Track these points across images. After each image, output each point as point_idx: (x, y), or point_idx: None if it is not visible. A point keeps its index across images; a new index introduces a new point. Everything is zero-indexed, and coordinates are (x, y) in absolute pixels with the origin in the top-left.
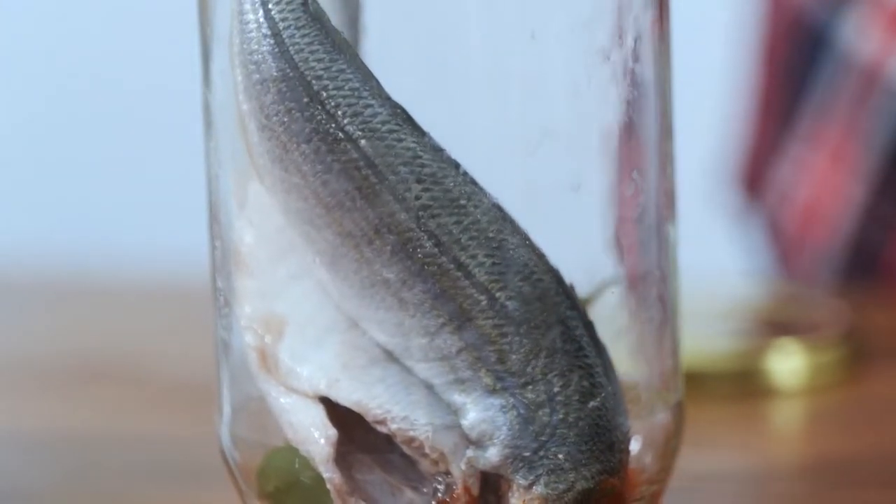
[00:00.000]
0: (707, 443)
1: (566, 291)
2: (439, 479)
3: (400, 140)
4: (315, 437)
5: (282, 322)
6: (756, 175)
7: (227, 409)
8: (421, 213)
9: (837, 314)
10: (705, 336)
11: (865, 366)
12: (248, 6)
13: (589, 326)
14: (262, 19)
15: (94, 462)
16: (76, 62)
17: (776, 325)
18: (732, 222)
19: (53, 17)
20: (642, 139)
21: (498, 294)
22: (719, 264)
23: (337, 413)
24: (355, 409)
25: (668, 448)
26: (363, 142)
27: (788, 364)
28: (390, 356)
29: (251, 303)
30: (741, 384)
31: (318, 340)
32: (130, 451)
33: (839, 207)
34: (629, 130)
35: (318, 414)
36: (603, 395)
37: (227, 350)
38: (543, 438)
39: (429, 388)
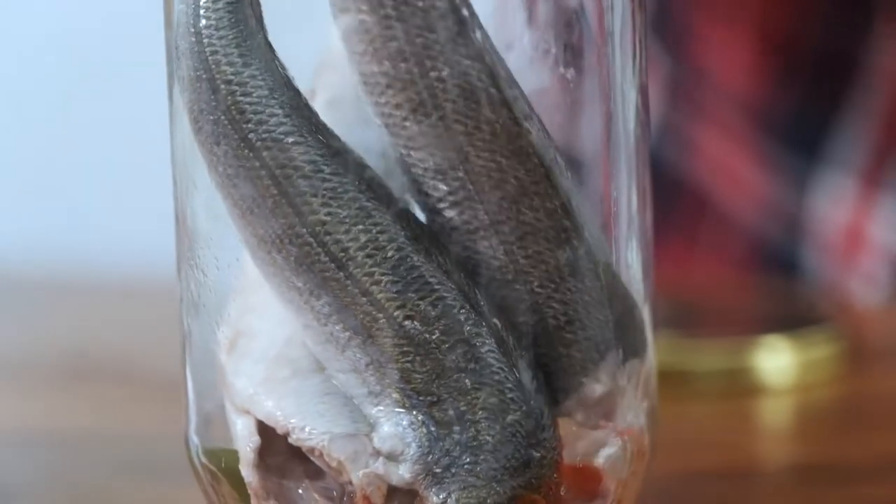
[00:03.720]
0: (695, 441)
1: (474, 308)
2: (345, 487)
3: (302, 153)
4: (242, 443)
5: (238, 338)
6: None
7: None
8: (318, 228)
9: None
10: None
11: (855, 363)
12: None
13: (501, 342)
14: (190, 14)
15: (80, 459)
16: (69, 67)
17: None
18: None
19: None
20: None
21: (396, 313)
22: None
23: None
24: (266, 422)
25: (640, 455)
26: (265, 152)
27: (777, 361)
28: (320, 367)
29: (226, 321)
30: (730, 382)
31: (259, 355)
32: (117, 449)
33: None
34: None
35: (247, 423)
36: (519, 410)
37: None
38: (455, 455)
39: (348, 399)
